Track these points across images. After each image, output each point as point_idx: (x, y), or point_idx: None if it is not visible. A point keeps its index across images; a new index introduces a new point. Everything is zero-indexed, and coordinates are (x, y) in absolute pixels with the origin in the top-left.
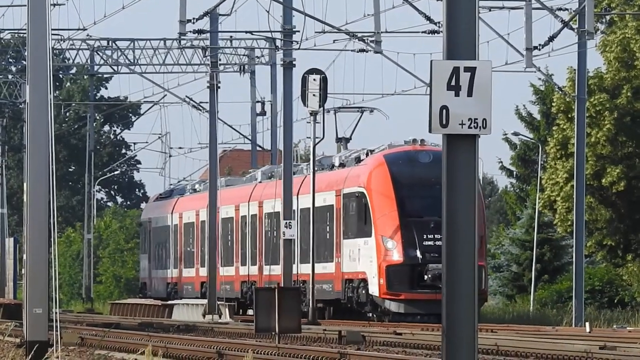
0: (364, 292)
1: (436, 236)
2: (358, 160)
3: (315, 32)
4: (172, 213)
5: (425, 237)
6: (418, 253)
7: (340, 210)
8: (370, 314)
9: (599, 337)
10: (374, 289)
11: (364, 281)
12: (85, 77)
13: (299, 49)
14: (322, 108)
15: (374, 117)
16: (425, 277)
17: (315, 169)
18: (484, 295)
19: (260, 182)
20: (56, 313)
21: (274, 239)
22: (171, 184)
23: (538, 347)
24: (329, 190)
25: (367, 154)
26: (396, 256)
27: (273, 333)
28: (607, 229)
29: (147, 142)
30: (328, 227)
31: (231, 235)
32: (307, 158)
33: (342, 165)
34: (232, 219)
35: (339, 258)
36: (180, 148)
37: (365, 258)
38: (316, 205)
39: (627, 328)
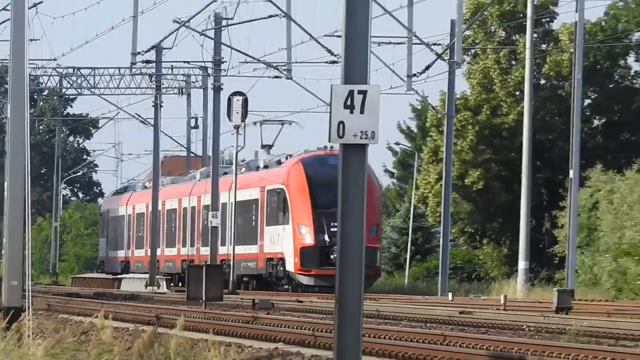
0: (281, 268)
1: None
2: (279, 162)
3: (239, 62)
4: (126, 205)
5: (332, 224)
6: (326, 237)
7: (264, 203)
8: (287, 287)
9: (459, 304)
10: (290, 266)
11: (282, 260)
12: (55, 97)
13: (226, 75)
14: (243, 123)
15: (292, 129)
16: (332, 256)
17: (244, 169)
18: (379, 272)
19: (199, 180)
20: (28, 285)
21: (208, 226)
22: (122, 183)
23: (411, 312)
24: (255, 186)
25: (286, 158)
26: (308, 240)
27: (201, 301)
28: (467, 219)
29: (103, 150)
30: (254, 216)
31: (175, 223)
32: (231, 162)
33: (266, 166)
34: (176, 210)
35: (262, 241)
36: (130, 154)
37: (283, 241)
38: (244, 198)
39: (482, 297)
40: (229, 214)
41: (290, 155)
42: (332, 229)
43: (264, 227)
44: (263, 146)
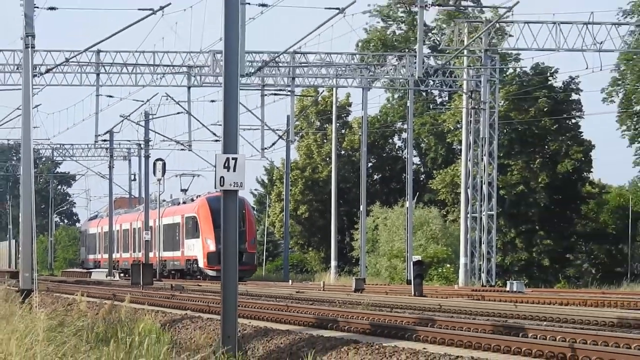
0: (196, 265)
1: None
2: (192, 200)
3: (160, 140)
4: (97, 226)
5: None
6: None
7: (183, 225)
8: (199, 277)
9: (296, 287)
10: (201, 264)
11: (196, 260)
12: (49, 162)
13: (152, 148)
14: (163, 177)
15: (199, 179)
16: None
17: (170, 204)
18: (255, 267)
19: (142, 211)
20: (35, 275)
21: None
22: (91, 214)
23: (267, 292)
24: (178, 214)
25: (197, 197)
26: (212, 247)
27: (140, 285)
28: (299, 235)
29: (78, 194)
30: (177, 233)
31: (128, 237)
32: (156, 200)
33: (184, 202)
34: (129, 229)
35: (183, 248)
36: (95, 196)
37: (196, 248)
38: (172, 222)
39: (309, 283)
40: (162, 232)
41: (199, 195)
42: None
43: (184, 240)
44: (182, 190)
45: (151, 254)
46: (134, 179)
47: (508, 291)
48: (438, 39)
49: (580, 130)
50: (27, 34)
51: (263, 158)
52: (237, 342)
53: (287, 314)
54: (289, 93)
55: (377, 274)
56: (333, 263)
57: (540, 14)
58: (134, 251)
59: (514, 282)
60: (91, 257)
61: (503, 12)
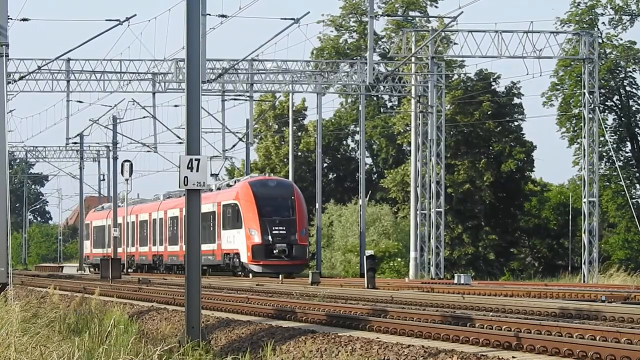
0: (237, 260)
1: (280, 228)
2: (229, 185)
3: (128, 143)
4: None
5: (273, 228)
6: (269, 237)
7: (220, 214)
8: (241, 273)
9: (256, 280)
10: (244, 259)
11: (237, 254)
12: (23, 163)
13: (120, 150)
14: (130, 177)
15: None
16: (274, 251)
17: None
18: (307, 262)
19: (161, 200)
20: (10, 270)
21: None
22: (62, 212)
23: (228, 285)
24: (211, 202)
25: (234, 182)
26: (257, 239)
27: (109, 278)
28: None
29: (51, 193)
30: (212, 224)
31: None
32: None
33: (218, 189)
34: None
35: (219, 240)
36: (66, 195)
37: (238, 240)
38: (204, 211)
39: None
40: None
41: (238, 180)
42: (274, 231)
43: (221, 231)
44: (212, 175)
45: (176, 247)
46: (103, 179)
47: (456, 283)
48: (387, 47)
49: (522, 132)
50: (1, 44)
51: (224, 159)
52: (200, 332)
53: (248, 305)
54: (247, 98)
55: (332, 268)
56: None
57: (483, 23)
58: (154, 244)
59: (461, 274)
60: (100, 251)
61: (448, 22)
